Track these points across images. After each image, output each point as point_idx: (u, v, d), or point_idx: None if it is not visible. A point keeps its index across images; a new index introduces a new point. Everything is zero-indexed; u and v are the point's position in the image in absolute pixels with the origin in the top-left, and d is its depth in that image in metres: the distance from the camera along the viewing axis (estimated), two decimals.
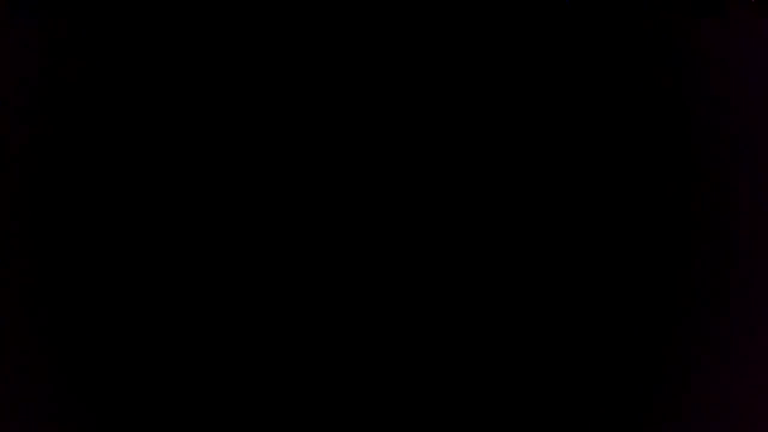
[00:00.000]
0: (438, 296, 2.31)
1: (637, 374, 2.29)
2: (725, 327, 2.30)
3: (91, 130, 2.34)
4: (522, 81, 2.35)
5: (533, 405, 2.29)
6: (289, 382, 2.30)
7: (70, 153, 2.33)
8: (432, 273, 2.32)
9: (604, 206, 2.32)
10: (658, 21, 2.35)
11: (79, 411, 2.29)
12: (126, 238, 2.32)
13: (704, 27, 2.35)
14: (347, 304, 2.31)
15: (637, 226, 2.32)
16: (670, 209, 2.33)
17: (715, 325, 2.30)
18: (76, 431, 2.28)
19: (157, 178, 2.33)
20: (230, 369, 2.30)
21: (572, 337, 2.30)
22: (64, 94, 2.34)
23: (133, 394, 2.29)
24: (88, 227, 2.32)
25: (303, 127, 2.35)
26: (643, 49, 2.35)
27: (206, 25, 2.35)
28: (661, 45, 2.35)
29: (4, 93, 2.33)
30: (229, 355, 2.30)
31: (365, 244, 2.32)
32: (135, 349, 2.30)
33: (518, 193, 2.33)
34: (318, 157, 2.34)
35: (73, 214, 2.32)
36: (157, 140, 2.34)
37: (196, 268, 2.32)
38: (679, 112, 2.35)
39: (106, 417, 2.29)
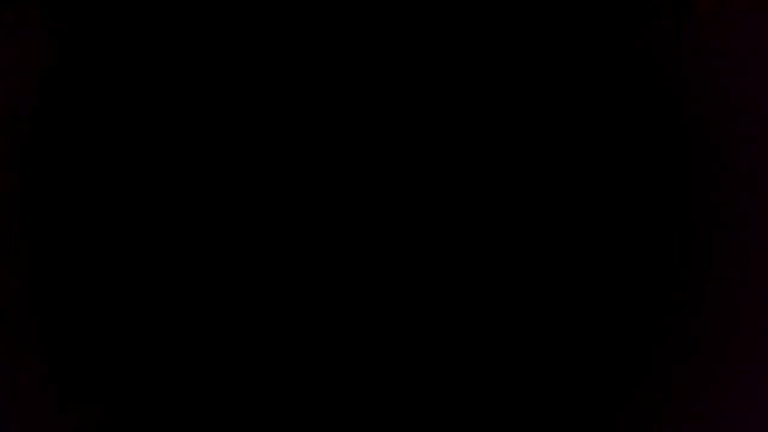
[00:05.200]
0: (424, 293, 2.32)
1: (632, 374, 2.30)
2: (722, 327, 2.31)
3: (91, 130, 2.35)
4: (519, 80, 2.36)
5: (532, 403, 2.30)
6: (287, 381, 2.30)
7: (70, 153, 2.34)
8: (423, 271, 2.32)
9: (596, 205, 2.33)
10: (654, 20, 2.36)
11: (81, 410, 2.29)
12: (126, 237, 2.32)
13: (701, 25, 2.36)
14: (341, 302, 2.32)
15: (634, 225, 2.33)
16: (667, 208, 2.33)
17: (713, 325, 2.31)
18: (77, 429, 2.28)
19: (156, 176, 2.34)
20: (229, 368, 2.30)
21: (570, 337, 2.31)
22: (65, 93, 2.35)
23: (133, 393, 2.29)
24: (89, 226, 2.32)
25: (302, 128, 2.36)
26: (640, 46, 2.36)
27: (207, 26, 2.36)
28: (658, 44, 2.36)
29: (5, 93, 2.34)
30: (228, 354, 2.31)
31: (357, 242, 2.33)
32: (135, 348, 2.30)
33: (520, 193, 2.34)
34: (316, 157, 2.35)
35: (73, 213, 2.32)
36: (156, 139, 2.35)
37: (196, 266, 2.32)
38: (677, 110, 2.36)
39: (106, 415, 2.29)
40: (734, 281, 2.31)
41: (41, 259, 2.32)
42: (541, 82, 2.36)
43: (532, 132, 2.35)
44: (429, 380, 2.30)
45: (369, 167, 2.34)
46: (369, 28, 2.34)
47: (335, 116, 2.35)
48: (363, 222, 2.33)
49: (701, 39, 2.36)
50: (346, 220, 2.33)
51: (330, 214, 2.33)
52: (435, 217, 2.33)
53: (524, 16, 2.36)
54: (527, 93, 2.35)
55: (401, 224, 2.33)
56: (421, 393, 2.30)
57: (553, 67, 2.36)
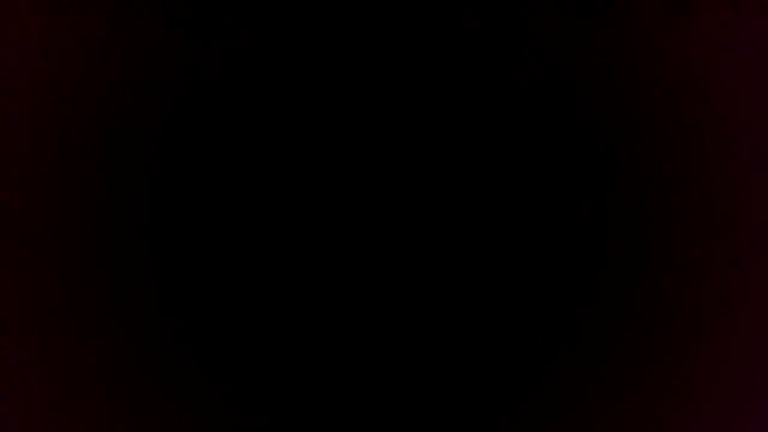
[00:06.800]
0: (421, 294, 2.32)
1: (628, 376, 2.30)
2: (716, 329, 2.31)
3: (95, 131, 2.35)
4: (516, 79, 2.35)
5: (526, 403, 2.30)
6: (288, 382, 2.31)
7: (72, 153, 2.34)
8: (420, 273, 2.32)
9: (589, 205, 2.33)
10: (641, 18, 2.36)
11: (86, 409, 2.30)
12: (127, 237, 2.33)
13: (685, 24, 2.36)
14: (334, 303, 2.32)
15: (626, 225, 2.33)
16: (663, 209, 2.33)
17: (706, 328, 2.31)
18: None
19: (155, 175, 2.34)
20: (231, 368, 2.31)
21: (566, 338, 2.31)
22: (66, 94, 2.35)
23: (136, 393, 2.29)
24: (91, 227, 2.33)
25: (299, 128, 2.35)
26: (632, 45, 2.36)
27: (207, 25, 2.36)
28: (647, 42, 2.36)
29: (7, 93, 2.34)
30: (229, 354, 2.31)
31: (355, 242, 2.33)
32: (135, 347, 2.30)
33: (521, 192, 2.33)
34: (309, 158, 2.35)
35: (75, 215, 2.33)
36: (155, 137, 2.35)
37: (197, 265, 2.32)
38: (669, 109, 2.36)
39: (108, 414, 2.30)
40: (733, 281, 2.31)
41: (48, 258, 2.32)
42: (537, 84, 2.35)
43: (527, 132, 2.35)
44: (423, 380, 2.30)
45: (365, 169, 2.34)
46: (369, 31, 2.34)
47: (335, 118, 2.35)
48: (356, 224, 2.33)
49: (701, 38, 2.35)
50: (337, 223, 2.33)
51: (325, 216, 2.33)
52: (430, 219, 2.33)
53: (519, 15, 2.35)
54: (519, 93, 2.34)
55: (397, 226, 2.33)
56: (417, 393, 2.30)
57: (549, 66, 2.35)
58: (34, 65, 2.35)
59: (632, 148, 2.34)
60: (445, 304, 2.32)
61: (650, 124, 2.34)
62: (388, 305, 2.31)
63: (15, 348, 2.29)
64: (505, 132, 2.34)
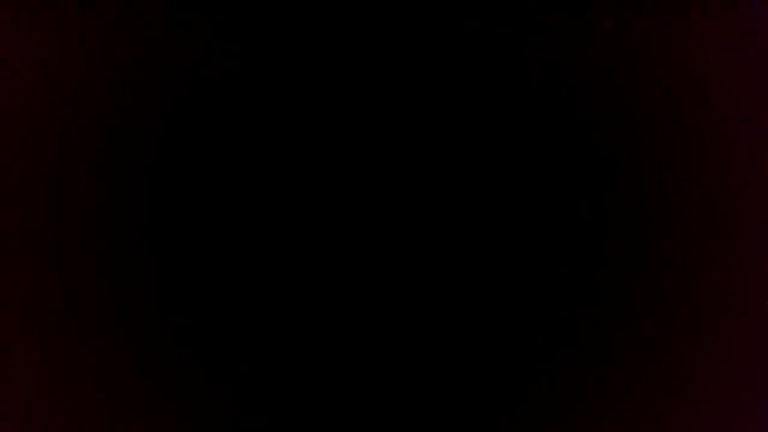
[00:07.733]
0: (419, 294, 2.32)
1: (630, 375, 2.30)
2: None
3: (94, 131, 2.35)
4: (517, 79, 2.35)
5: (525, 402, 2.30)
6: (288, 381, 2.31)
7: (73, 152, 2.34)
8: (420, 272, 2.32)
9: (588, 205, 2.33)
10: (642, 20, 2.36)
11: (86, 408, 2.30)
12: (126, 237, 2.33)
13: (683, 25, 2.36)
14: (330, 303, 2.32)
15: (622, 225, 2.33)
16: (662, 209, 2.33)
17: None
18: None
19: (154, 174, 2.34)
20: (231, 368, 2.31)
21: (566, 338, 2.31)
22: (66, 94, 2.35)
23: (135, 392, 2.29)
24: (91, 228, 2.33)
25: (299, 129, 2.35)
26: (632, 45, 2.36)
27: (207, 25, 2.36)
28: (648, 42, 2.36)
29: (7, 93, 2.34)
30: (229, 354, 2.31)
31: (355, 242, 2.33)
32: (135, 348, 2.30)
33: (522, 192, 2.33)
34: (308, 159, 2.35)
35: (74, 215, 2.33)
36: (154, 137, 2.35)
37: (196, 265, 2.32)
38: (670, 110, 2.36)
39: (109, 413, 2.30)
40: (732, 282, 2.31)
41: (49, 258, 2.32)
42: (536, 83, 2.35)
43: (528, 131, 2.35)
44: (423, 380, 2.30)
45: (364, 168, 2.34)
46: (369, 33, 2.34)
47: (335, 119, 2.35)
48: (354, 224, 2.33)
49: (701, 38, 2.35)
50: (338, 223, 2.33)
51: (326, 216, 2.33)
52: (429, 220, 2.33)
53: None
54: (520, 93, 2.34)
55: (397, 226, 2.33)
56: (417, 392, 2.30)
57: (549, 66, 2.35)
58: (34, 65, 2.35)
59: (632, 148, 2.34)
60: (445, 304, 2.32)
61: (650, 124, 2.34)
62: (388, 305, 2.31)
63: (15, 348, 2.29)
64: (505, 132, 2.35)
